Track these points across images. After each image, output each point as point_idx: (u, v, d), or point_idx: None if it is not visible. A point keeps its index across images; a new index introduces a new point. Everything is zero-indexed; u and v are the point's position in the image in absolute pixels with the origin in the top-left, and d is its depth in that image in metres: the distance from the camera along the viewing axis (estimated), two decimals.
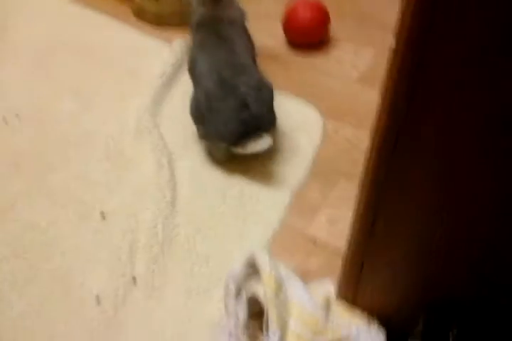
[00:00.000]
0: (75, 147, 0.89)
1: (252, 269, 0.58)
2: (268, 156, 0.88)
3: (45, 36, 1.14)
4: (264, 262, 0.55)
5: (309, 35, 1.10)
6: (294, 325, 0.54)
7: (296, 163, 0.87)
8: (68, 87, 1.00)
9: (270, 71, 1.06)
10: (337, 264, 0.62)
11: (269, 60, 1.09)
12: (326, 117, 0.96)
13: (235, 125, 0.80)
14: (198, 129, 0.87)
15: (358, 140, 0.91)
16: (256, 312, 0.59)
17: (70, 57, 1.08)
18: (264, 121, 0.83)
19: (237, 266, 0.59)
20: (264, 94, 0.85)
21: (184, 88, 1.01)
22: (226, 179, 0.84)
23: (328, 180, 0.85)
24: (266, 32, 1.12)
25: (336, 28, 1.15)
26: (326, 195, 0.83)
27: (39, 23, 1.18)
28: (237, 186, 0.83)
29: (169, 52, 1.07)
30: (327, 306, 0.59)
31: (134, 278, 0.71)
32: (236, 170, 0.86)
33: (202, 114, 0.84)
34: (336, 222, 0.80)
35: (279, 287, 0.56)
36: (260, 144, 0.81)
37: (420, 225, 0.50)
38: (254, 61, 0.94)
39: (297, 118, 0.95)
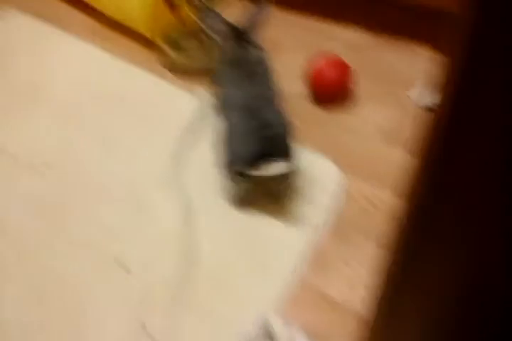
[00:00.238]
0: (99, 195, 0.91)
1: (267, 332, 0.57)
2: (288, 212, 0.88)
3: (75, 84, 1.20)
4: (277, 328, 0.55)
5: (333, 94, 1.13)
6: None
7: (315, 219, 0.88)
8: (95, 135, 1.04)
9: (293, 126, 1.08)
10: (351, 324, 0.61)
11: (291, 114, 1.12)
12: (347, 175, 0.97)
13: (253, 144, 0.83)
14: (220, 159, 0.89)
15: (378, 199, 0.92)
16: None
17: (98, 105, 1.13)
18: (281, 145, 0.86)
19: (251, 328, 0.58)
20: (285, 122, 0.91)
21: (207, 137, 1.04)
22: (246, 233, 0.84)
23: (346, 237, 0.85)
24: (288, 87, 1.16)
25: (359, 85, 1.19)
26: (343, 252, 0.83)
27: (70, 71, 1.25)
28: (257, 242, 0.83)
29: (193, 101, 1.11)
30: None
31: (149, 333, 0.71)
32: (256, 225, 0.86)
33: (225, 141, 0.88)
34: (352, 281, 0.79)
35: None
36: (274, 168, 0.82)
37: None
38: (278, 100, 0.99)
39: (318, 174, 0.97)
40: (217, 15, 1.06)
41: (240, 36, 1.01)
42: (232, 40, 1.01)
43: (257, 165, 0.82)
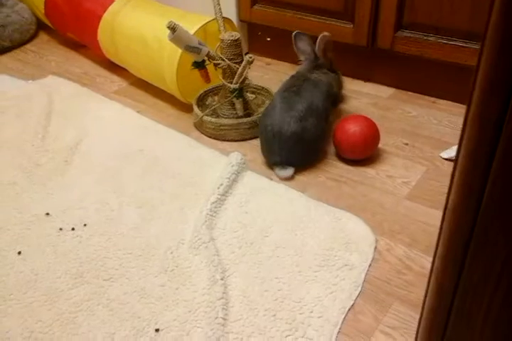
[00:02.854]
0: (135, 259, 0.93)
1: None
2: (319, 274, 0.89)
3: (114, 148, 1.25)
4: None
5: (360, 153, 1.15)
6: None
7: (348, 282, 0.88)
8: (133, 197, 1.08)
9: (320, 184, 1.10)
10: None
11: (318, 171, 1.14)
12: (378, 234, 0.97)
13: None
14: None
15: (410, 260, 0.91)
16: None
17: (136, 167, 1.17)
18: (291, 156, 1.12)
19: None
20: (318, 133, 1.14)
21: (239, 200, 1.06)
22: (277, 301, 0.85)
23: (380, 302, 0.84)
24: None
25: (385, 142, 1.21)
26: (379, 319, 0.82)
27: (109, 135, 1.30)
28: (287, 309, 0.83)
29: (226, 164, 1.14)
30: None
31: None
32: (288, 289, 0.87)
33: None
34: None
35: None
36: (282, 173, 1.12)
37: None
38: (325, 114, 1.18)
39: (348, 233, 0.97)
40: (308, 38, 1.26)
41: (317, 60, 1.25)
42: (312, 61, 1.25)
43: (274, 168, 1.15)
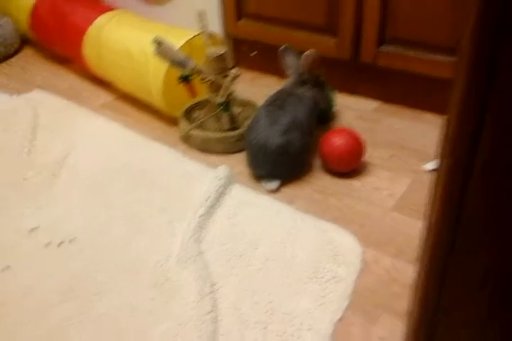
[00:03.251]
0: (124, 273, 0.93)
1: None
2: (308, 286, 0.89)
3: (102, 161, 1.25)
4: None
5: (346, 165, 1.16)
6: None
7: (336, 293, 0.88)
8: (121, 211, 1.08)
9: (307, 196, 1.11)
10: None
11: (305, 184, 1.15)
12: (365, 245, 0.98)
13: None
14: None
15: (398, 271, 0.92)
16: None
17: (124, 181, 1.17)
18: (276, 169, 1.14)
19: None
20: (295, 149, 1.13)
21: (227, 213, 1.07)
22: (267, 313, 0.85)
23: (369, 314, 0.85)
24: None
25: (370, 154, 1.23)
26: (368, 331, 0.82)
27: (96, 148, 1.30)
28: (278, 321, 0.83)
29: (213, 177, 1.14)
30: None
31: None
32: (278, 302, 0.87)
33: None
34: None
35: None
36: (268, 186, 1.14)
37: None
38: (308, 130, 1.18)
39: (336, 245, 0.98)
40: (294, 53, 1.29)
41: (302, 75, 1.26)
42: (298, 76, 1.26)
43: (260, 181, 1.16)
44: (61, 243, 0.99)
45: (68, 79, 1.70)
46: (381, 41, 1.36)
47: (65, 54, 1.72)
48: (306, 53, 1.21)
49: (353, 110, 1.45)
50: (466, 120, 0.40)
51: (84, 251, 0.98)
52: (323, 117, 1.34)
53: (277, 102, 1.17)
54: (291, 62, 1.28)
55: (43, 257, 0.97)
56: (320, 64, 1.26)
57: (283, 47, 1.28)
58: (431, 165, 1.18)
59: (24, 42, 1.91)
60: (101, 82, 1.62)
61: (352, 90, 1.53)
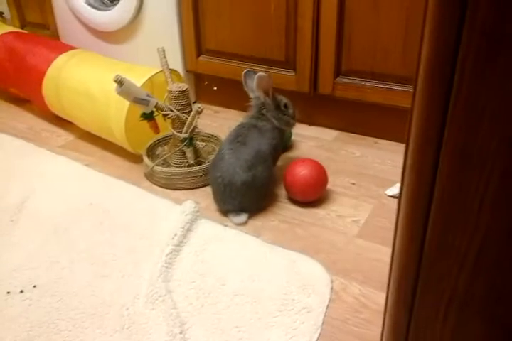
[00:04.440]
0: (90, 317, 0.90)
1: None
2: (278, 319, 0.88)
3: (63, 203, 1.22)
4: None
5: (310, 195, 1.18)
6: None
7: (307, 324, 0.88)
8: (85, 253, 1.05)
9: (274, 227, 1.12)
10: None
11: (271, 215, 1.16)
12: (333, 273, 0.98)
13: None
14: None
15: (366, 298, 0.93)
16: None
17: (87, 223, 1.15)
18: (244, 203, 1.15)
19: None
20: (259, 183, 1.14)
21: (194, 249, 1.06)
22: None
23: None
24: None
25: (333, 183, 1.25)
26: None
27: (57, 190, 1.28)
28: None
29: (179, 213, 1.14)
30: None
31: None
32: (247, 333, 0.86)
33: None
34: None
35: None
36: (236, 220, 1.15)
37: None
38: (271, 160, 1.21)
39: (304, 275, 0.98)
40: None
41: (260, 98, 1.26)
42: (258, 103, 1.26)
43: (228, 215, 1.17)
44: (21, 291, 0.96)
45: (27, 120, 1.68)
46: (337, 73, 1.41)
47: (24, 95, 1.71)
48: (258, 74, 1.22)
49: (313, 140, 1.48)
50: (424, 151, 0.42)
51: (45, 298, 0.94)
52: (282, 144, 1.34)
53: (239, 139, 1.17)
54: (252, 85, 1.29)
55: (3, 307, 0.93)
56: (275, 89, 1.27)
57: (246, 70, 1.30)
58: (391, 191, 1.21)
59: None
60: (61, 122, 1.61)
61: (312, 121, 1.56)
